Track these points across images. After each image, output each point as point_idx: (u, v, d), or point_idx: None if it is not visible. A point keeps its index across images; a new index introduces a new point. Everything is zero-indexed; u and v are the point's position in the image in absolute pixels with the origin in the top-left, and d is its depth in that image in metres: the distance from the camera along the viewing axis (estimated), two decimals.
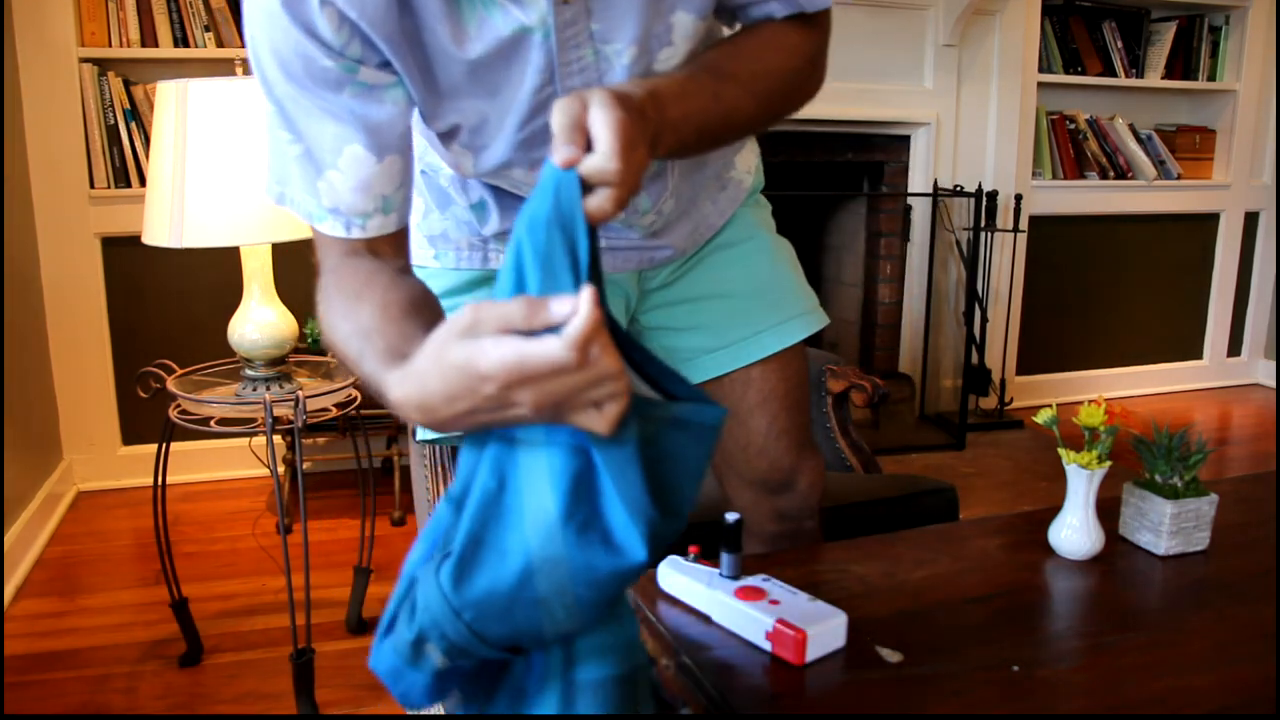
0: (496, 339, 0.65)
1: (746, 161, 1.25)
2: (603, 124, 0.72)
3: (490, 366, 0.65)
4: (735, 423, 1.24)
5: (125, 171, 2.87)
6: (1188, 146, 4.05)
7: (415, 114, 0.96)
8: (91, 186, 2.85)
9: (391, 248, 0.96)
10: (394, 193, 0.94)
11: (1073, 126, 3.89)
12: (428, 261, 1.21)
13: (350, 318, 0.86)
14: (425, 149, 1.12)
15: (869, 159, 3.53)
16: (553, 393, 0.65)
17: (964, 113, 3.56)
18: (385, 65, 0.89)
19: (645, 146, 0.77)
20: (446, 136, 0.97)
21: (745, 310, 1.23)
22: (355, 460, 2.19)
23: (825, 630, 0.96)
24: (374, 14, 0.84)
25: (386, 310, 0.84)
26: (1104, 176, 3.92)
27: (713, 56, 0.96)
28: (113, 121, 2.84)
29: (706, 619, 1.02)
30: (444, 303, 0.93)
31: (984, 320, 3.61)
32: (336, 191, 0.92)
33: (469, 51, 0.89)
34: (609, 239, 1.14)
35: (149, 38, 2.83)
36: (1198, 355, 4.30)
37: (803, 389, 1.28)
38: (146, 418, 2.98)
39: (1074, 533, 1.17)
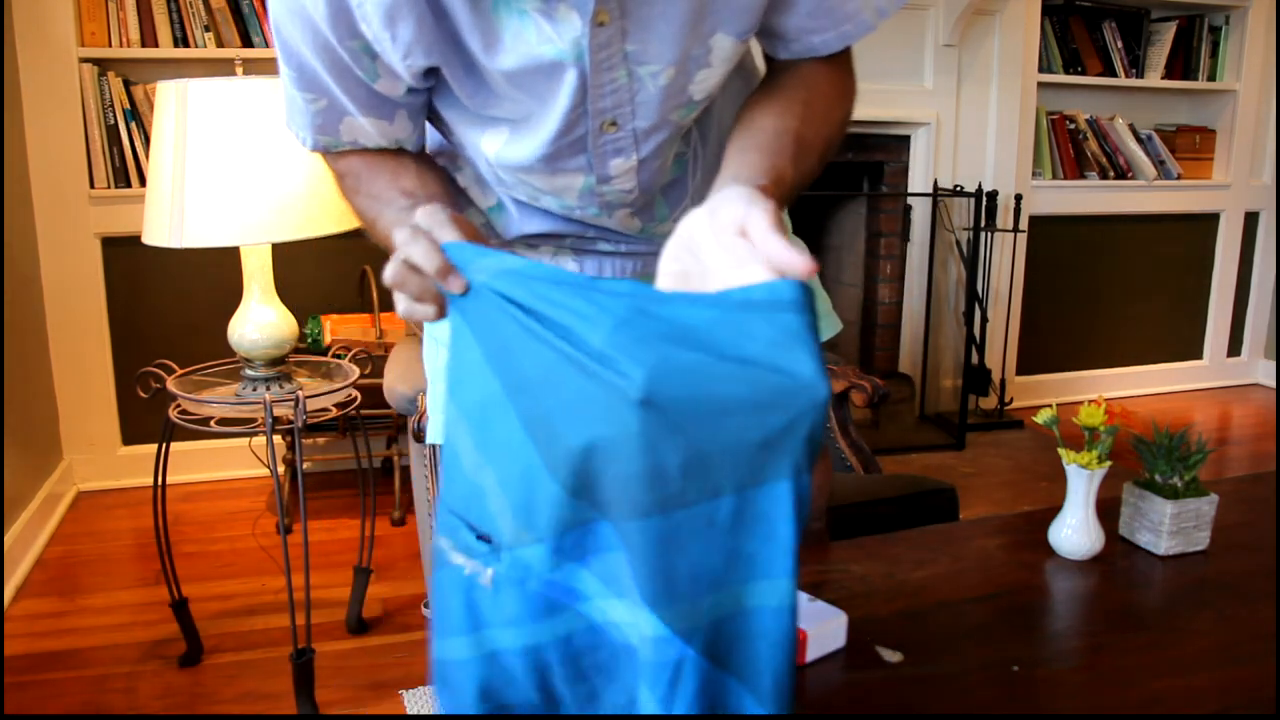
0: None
1: None
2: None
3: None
4: None
5: (125, 171, 2.87)
6: (1188, 146, 4.05)
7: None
8: (91, 186, 2.85)
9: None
10: (407, 136, 1.00)
11: (1073, 126, 3.89)
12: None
13: (390, 180, 0.98)
14: (441, 148, 1.12)
15: (869, 159, 3.53)
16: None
17: (964, 113, 3.56)
18: (410, 84, 0.93)
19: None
20: (491, 120, 0.98)
21: None
22: (355, 460, 2.19)
23: (825, 630, 0.96)
24: (409, 37, 0.86)
25: (425, 174, 0.98)
26: (1104, 176, 3.92)
27: (801, 129, 0.93)
28: (113, 121, 2.84)
29: None
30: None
31: (984, 320, 3.61)
32: (357, 132, 0.99)
33: (501, 63, 0.89)
34: (630, 245, 1.14)
35: (149, 38, 2.83)
36: (1198, 355, 4.30)
37: None
38: (146, 418, 2.98)
39: (1074, 533, 1.17)
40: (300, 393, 1.87)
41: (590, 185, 1.01)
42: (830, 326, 1.28)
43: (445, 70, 0.91)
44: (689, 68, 0.93)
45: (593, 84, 0.90)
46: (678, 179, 1.09)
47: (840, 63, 1.01)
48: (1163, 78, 3.93)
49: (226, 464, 3.10)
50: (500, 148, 0.99)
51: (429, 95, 0.99)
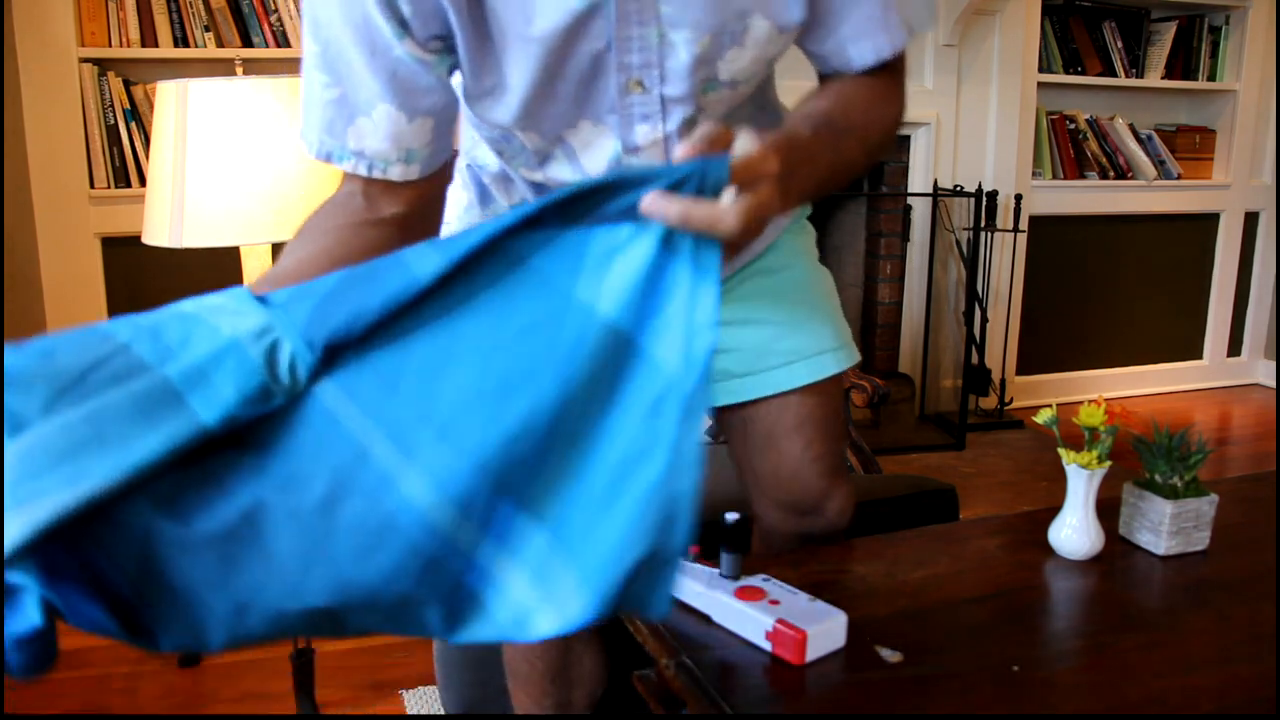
0: None
1: None
2: (751, 142, 0.76)
3: None
4: (769, 445, 1.24)
5: (125, 171, 2.87)
6: (1188, 146, 4.05)
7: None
8: (91, 186, 2.85)
9: (398, 198, 0.98)
10: (421, 148, 0.96)
11: (1073, 126, 3.89)
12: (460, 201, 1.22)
13: (285, 251, 0.97)
14: (474, 144, 1.13)
15: None
16: None
17: (964, 113, 3.56)
18: (434, 40, 0.91)
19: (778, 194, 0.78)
20: (488, 94, 0.97)
21: (778, 339, 1.23)
22: None
23: (825, 630, 0.96)
24: None
25: (291, 266, 0.94)
26: (1104, 176, 3.92)
27: (832, 110, 0.98)
28: (113, 121, 2.84)
29: (706, 619, 1.02)
30: None
31: (984, 320, 3.61)
32: (364, 137, 0.94)
33: (538, 26, 0.89)
34: None
35: (149, 38, 2.83)
36: (1198, 355, 4.30)
37: (839, 416, 1.28)
38: None
39: (1074, 533, 1.17)
40: None
41: (618, 153, 1.01)
42: (847, 358, 1.27)
43: (460, 30, 0.90)
44: (723, 40, 0.94)
45: (619, 35, 0.91)
46: None
47: (885, 73, 1.04)
48: (1163, 78, 3.92)
49: None
50: (493, 110, 0.98)
51: (453, 112, 0.97)
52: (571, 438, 0.74)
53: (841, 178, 0.96)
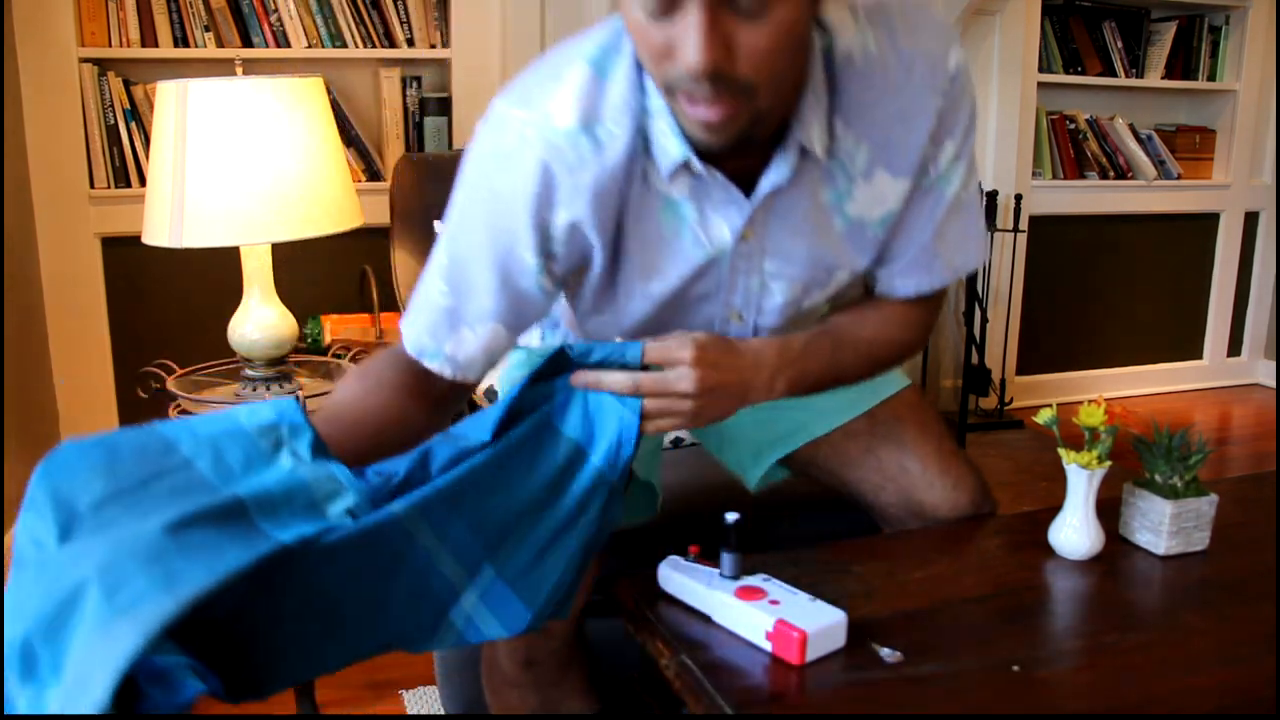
0: None
1: None
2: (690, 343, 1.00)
3: None
4: (898, 470, 1.29)
5: (125, 171, 2.87)
6: (1188, 146, 4.05)
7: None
8: (91, 186, 2.85)
9: (453, 384, 1.08)
10: (503, 352, 1.08)
11: (1073, 126, 3.89)
12: (533, 342, 1.31)
13: (345, 388, 1.06)
14: None
15: None
16: None
17: None
18: (567, 275, 1.04)
19: (729, 388, 1.02)
20: (601, 313, 1.11)
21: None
22: None
23: (825, 630, 0.96)
24: (603, 225, 0.98)
25: (348, 411, 1.05)
26: (1104, 176, 3.92)
27: (840, 322, 1.15)
28: (113, 121, 2.85)
29: (706, 619, 1.02)
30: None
31: (984, 320, 3.61)
32: (463, 346, 1.04)
33: (663, 269, 1.04)
34: None
35: (149, 38, 2.83)
36: (1198, 355, 4.30)
37: (941, 430, 1.34)
38: (146, 418, 2.96)
39: (1074, 533, 1.17)
40: (300, 393, 1.87)
41: None
42: (899, 381, 1.32)
43: (599, 261, 1.02)
44: (811, 287, 1.11)
45: (729, 283, 1.07)
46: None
47: (920, 301, 1.16)
48: (1163, 78, 3.92)
49: None
50: (604, 320, 1.12)
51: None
52: (534, 514, 0.99)
53: (837, 381, 1.13)
